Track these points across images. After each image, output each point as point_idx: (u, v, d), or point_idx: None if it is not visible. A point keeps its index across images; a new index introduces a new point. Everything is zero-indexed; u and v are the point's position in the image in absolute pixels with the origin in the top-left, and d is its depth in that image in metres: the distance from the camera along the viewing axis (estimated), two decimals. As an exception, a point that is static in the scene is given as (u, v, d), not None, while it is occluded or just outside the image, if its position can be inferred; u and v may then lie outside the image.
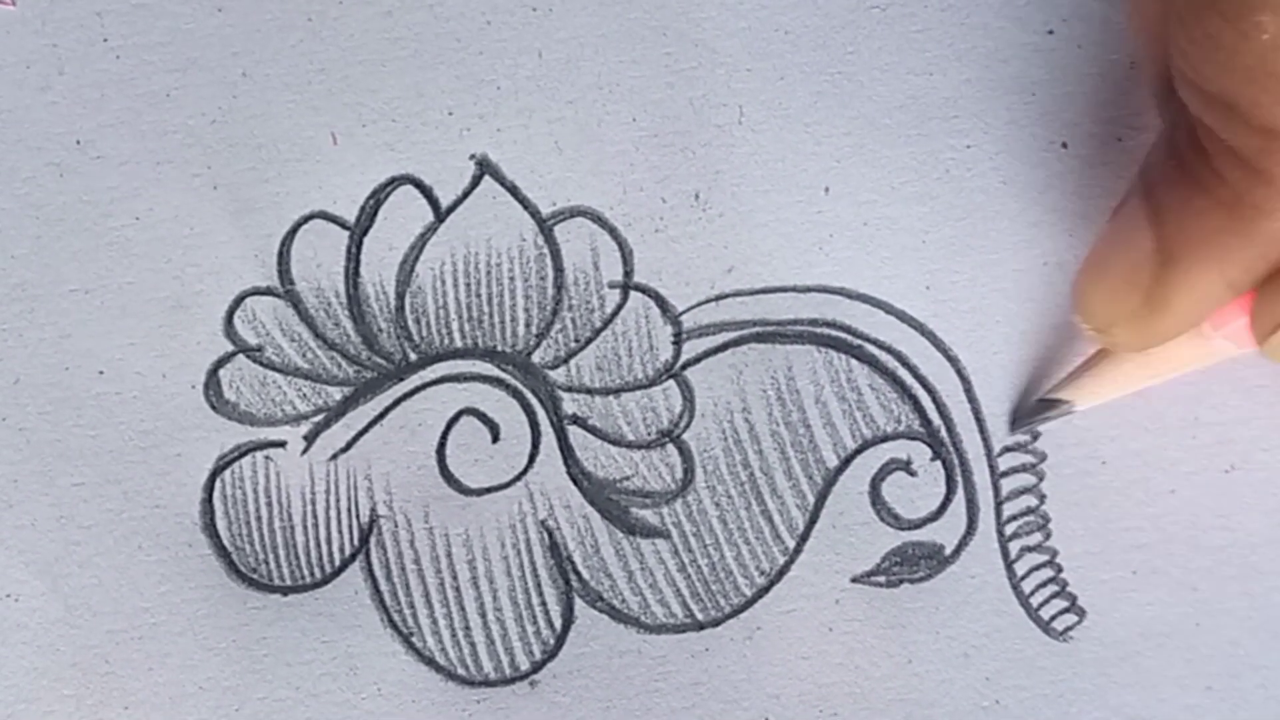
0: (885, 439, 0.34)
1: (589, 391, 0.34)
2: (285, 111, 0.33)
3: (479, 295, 0.34)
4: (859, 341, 0.34)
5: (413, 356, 0.34)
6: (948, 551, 0.34)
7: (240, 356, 0.33)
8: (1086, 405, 0.33)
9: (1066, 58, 0.33)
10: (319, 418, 0.34)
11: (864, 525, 0.34)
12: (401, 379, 0.34)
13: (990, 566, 0.34)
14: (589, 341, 0.34)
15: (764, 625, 0.34)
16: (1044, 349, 0.33)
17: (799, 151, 0.34)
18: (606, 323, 0.34)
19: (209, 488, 0.33)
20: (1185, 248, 0.28)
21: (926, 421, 0.34)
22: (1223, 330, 0.30)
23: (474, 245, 0.34)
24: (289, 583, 0.34)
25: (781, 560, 0.34)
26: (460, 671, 0.34)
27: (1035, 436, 0.34)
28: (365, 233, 0.34)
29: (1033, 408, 0.33)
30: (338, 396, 0.34)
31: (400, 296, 0.34)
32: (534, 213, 0.34)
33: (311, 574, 0.34)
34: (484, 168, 0.34)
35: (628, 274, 0.34)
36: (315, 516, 0.34)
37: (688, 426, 0.34)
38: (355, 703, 0.33)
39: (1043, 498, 0.34)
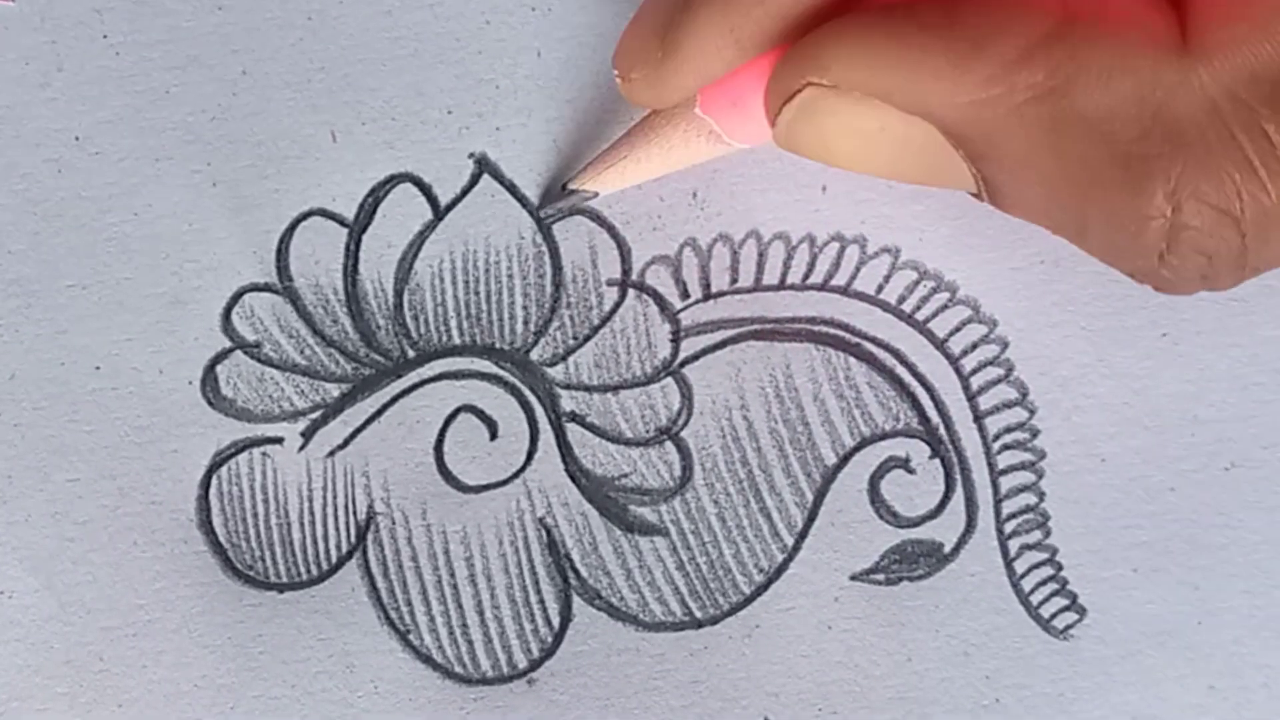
0: (884, 437, 0.34)
1: (587, 389, 0.34)
2: (285, 109, 0.33)
3: (477, 293, 0.34)
4: (857, 339, 0.34)
5: (411, 354, 0.34)
6: (947, 549, 0.34)
7: (238, 353, 0.33)
8: (603, 190, 0.32)
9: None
10: (317, 414, 0.33)
11: (863, 523, 0.34)
12: (399, 376, 0.34)
13: (990, 564, 0.34)
14: (587, 339, 0.34)
15: (763, 623, 0.34)
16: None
17: (797, 151, 0.34)
18: (605, 320, 0.34)
19: (205, 484, 0.33)
20: None
21: (925, 419, 0.34)
22: (722, 121, 0.29)
23: (472, 243, 0.34)
24: (285, 580, 0.33)
25: (780, 558, 0.34)
26: (458, 669, 0.33)
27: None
28: (364, 230, 0.34)
29: (558, 194, 0.33)
30: (335, 393, 0.33)
31: (399, 294, 0.34)
32: (532, 211, 0.34)
33: (308, 571, 0.33)
34: (483, 166, 0.34)
35: (626, 272, 0.34)
36: (312, 513, 0.33)
37: (686, 424, 0.34)
38: (352, 700, 0.33)
39: (1042, 495, 0.34)
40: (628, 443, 0.34)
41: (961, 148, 0.26)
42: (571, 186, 0.32)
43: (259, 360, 0.33)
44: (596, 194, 0.33)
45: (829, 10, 0.27)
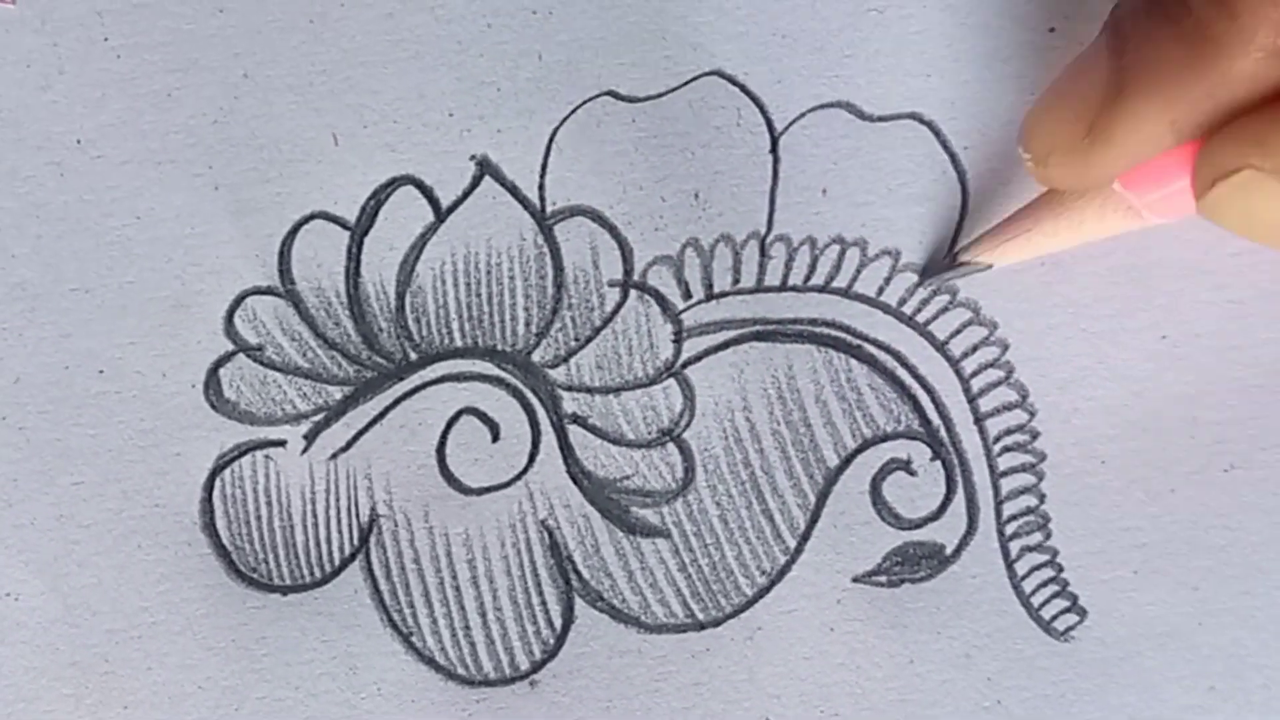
0: (885, 439, 0.34)
1: (589, 390, 0.34)
2: (287, 112, 0.34)
3: (479, 295, 0.34)
4: (858, 341, 0.34)
5: (413, 356, 0.34)
6: (948, 551, 0.34)
7: (240, 356, 0.34)
8: (1000, 263, 0.32)
9: (1068, 56, 0.33)
10: (319, 417, 0.34)
11: (865, 525, 0.34)
12: (401, 378, 0.34)
13: (991, 566, 0.34)
14: (589, 340, 0.34)
15: (765, 625, 0.34)
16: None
17: (797, 153, 0.34)
18: (606, 321, 0.34)
19: (209, 487, 0.33)
20: (1138, 79, 0.27)
21: (926, 421, 0.34)
22: (1143, 198, 0.29)
23: (474, 245, 0.34)
24: (288, 582, 0.34)
25: (782, 560, 0.34)
26: (460, 671, 0.34)
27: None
28: (366, 233, 0.34)
29: (945, 264, 0.33)
30: (338, 396, 0.34)
31: (400, 296, 0.34)
32: (534, 212, 0.34)
33: (311, 573, 0.34)
34: (484, 168, 0.34)
35: (627, 273, 0.34)
36: (315, 516, 0.34)
37: (688, 425, 0.34)
38: (355, 702, 0.33)
39: (1043, 497, 0.34)
40: (630, 444, 0.34)
41: None
42: (964, 258, 0.32)
43: (261, 363, 0.34)
44: (990, 266, 0.32)
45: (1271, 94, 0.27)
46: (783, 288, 0.34)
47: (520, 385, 0.34)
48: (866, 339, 0.34)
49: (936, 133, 0.33)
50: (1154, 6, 0.27)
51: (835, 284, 0.34)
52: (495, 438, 0.34)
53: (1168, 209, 0.29)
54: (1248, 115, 0.27)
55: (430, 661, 0.34)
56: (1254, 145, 0.26)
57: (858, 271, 0.34)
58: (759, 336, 0.34)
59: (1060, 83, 0.29)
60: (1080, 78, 0.29)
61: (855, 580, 0.34)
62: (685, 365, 0.34)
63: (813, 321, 0.34)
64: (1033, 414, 0.34)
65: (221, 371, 0.33)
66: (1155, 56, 0.27)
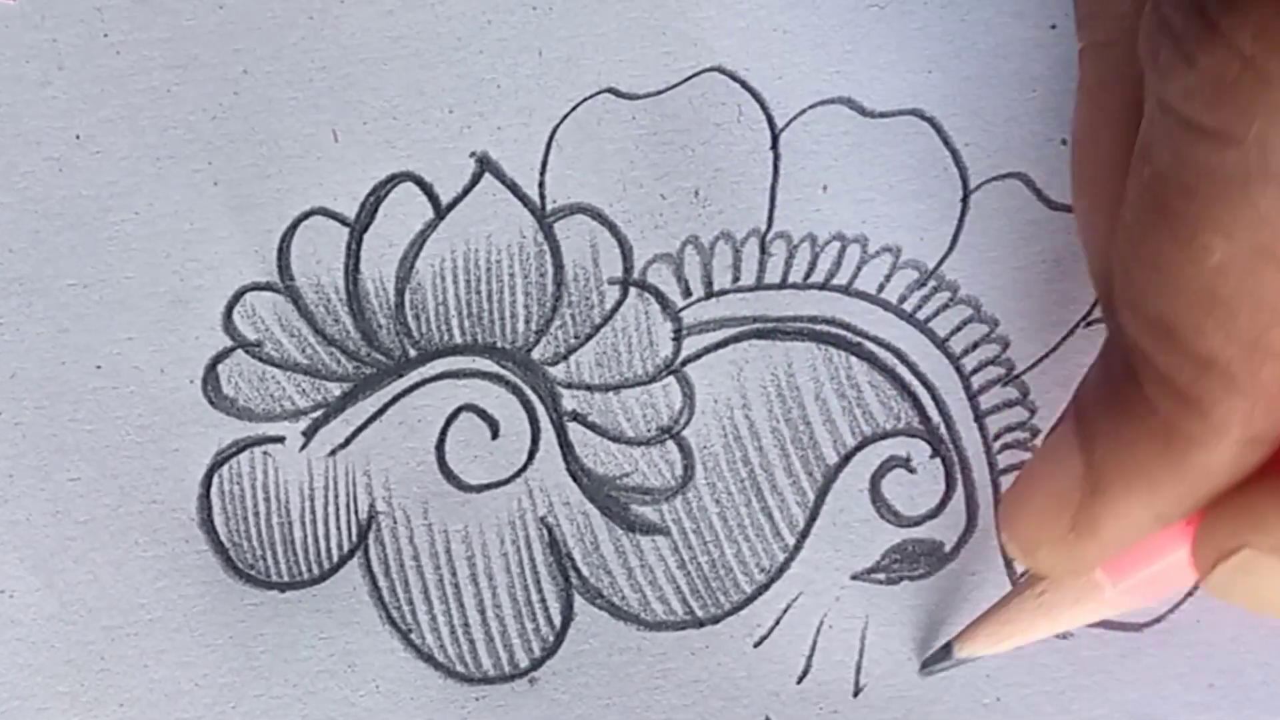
0: (885, 436, 0.34)
1: (589, 388, 0.34)
2: (286, 108, 0.33)
3: (479, 292, 0.34)
4: (858, 339, 0.34)
5: (412, 353, 0.34)
6: (947, 549, 0.34)
7: (239, 352, 0.33)
8: (989, 654, 0.32)
9: (1070, 52, 0.33)
10: (318, 413, 0.33)
11: (864, 522, 0.34)
12: (401, 375, 0.34)
13: (990, 564, 0.34)
14: (589, 338, 0.34)
15: (764, 622, 0.34)
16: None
17: (797, 150, 0.34)
18: (606, 319, 0.34)
19: (206, 483, 0.33)
20: (1114, 478, 0.26)
21: (926, 419, 0.34)
22: (1122, 584, 0.29)
23: (474, 242, 0.34)
24: (287, 579, 0.33)
25: (781, 557, 0.34)
26: (459, 669, 0.33)
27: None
28: (365, 229, 0.34)
29: (942, 655, 0.32)
30: (337, 392, 0.33)
31: (400, 293, 0.34)
32: (534, 209, 0.34)
33: (309, 570, 0.33)
34: (484, 165, 0.34)
35: (627, 270, 0.34)
36: (313, 512, 0.33)
37: (688, 423, 0.34)
38: (353, 700, 0.33)
39: (1043, 495, 0.34)
40: (629, 442, 0.34)
41: None
42: (960, 655, 0.32)
43: (260, 359, 0.33)
44: (980, 657, 0.32)
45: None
46: (783, 285, 0.34)
47: (520, 382, 0.34)
48: (867, 336, 0.34)
49: (938, 129, 0.34)
50: (1117, 402, 0.26)
51: (835, 281, 0.34)
52: (495, 435, 0.34)
53: (1149, 591, 0.29)
54: (1239, 492, 0.26)
55: (429, 659, 0.33)
56: (1248, 524, 0.25)
57: (858, 268, 0.34)
58: (759, 334, 0.34)
59: (1033, 474, 0.28)
60: (1053, 471, 0.28)
61: (854, 578, 0.34)
62: (685, 363, 0.34)
63: (813, 319, 0.34)
64: (1033, 411, 0.34)
65: (220, 367, 0.33)
66: (1129, 455, 0.26)
